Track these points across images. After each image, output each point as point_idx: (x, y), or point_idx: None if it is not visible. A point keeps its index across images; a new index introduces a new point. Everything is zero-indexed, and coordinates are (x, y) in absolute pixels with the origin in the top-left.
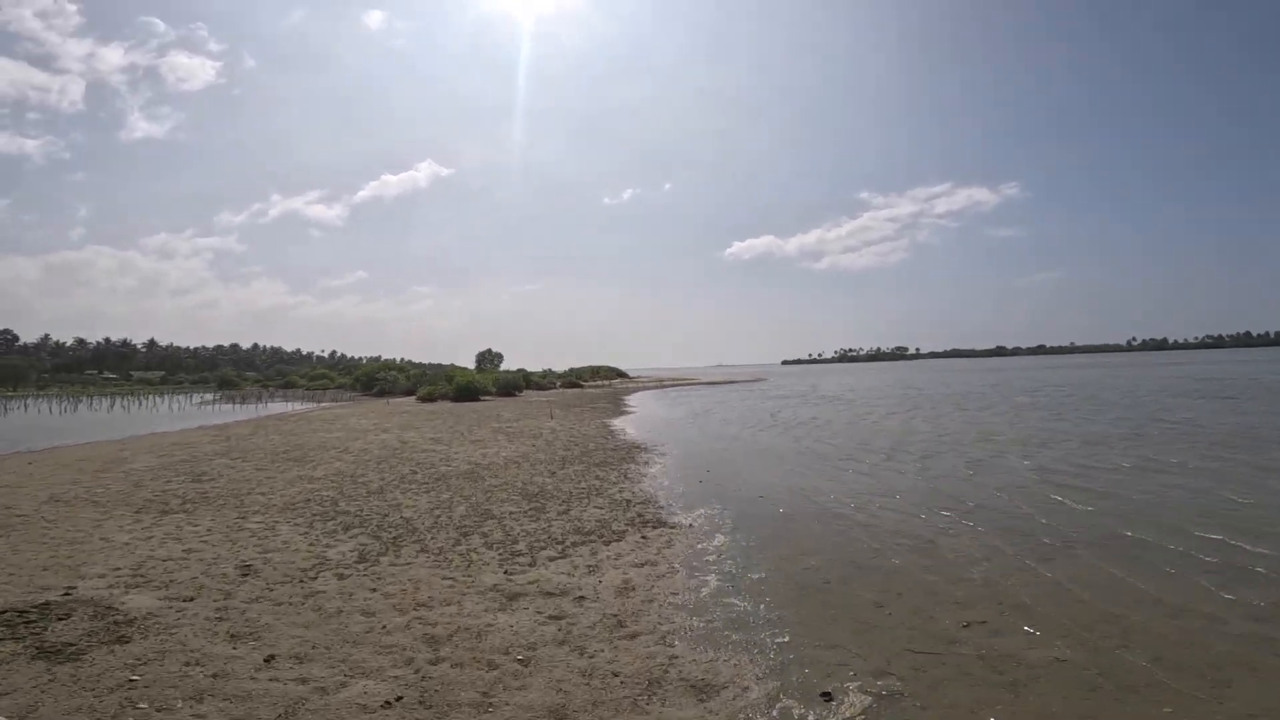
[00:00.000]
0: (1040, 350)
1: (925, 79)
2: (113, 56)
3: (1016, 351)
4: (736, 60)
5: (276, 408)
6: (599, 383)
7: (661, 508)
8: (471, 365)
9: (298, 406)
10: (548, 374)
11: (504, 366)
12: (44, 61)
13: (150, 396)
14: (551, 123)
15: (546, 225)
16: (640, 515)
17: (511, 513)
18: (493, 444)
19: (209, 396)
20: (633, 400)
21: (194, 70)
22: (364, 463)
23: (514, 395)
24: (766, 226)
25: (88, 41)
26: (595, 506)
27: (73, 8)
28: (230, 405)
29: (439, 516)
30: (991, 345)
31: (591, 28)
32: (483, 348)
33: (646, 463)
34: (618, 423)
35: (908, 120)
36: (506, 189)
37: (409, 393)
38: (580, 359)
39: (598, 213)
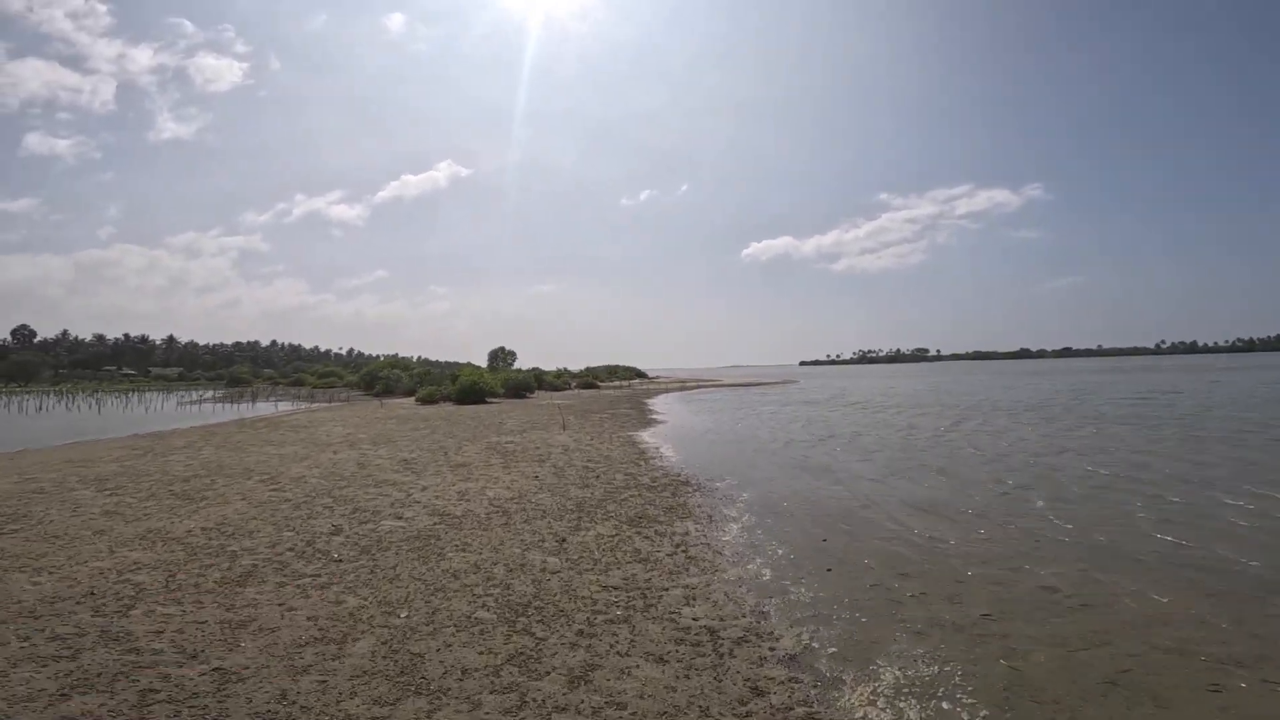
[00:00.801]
0: (1067, 353)
1: (945, 80)
2: (142, 57)
3: (1042, 354)
4: (752, 62)
5: (265, 408)
6: (617, 384)
7: (792, 657)
8: (484, 364)
9: (285, 407)
10: (562, 374)
11: (517, 366)
12: (75, 62)
13: (144, 393)
14: (569, 125)
15: (563, 226)
16: (758, 688)
17: (469, 669)
18: (481, 471)
19: (208, 394)
20: (658, 404)
21: (221, 71)
22: (276, 506)
23: (524, 397)
24: (784, 228)
25: (118, 42)
26: (644, 654)
27: (103, 8)
28: (218, 405)
29: (285, 695)
30: (1015, 347)
31: (607, 32)
32: (498, 347)
33: (710, 517)
34: (648, 437)
35: (927, 121)
36: (524, 190)
37: (411, 393)
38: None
39: (615, 214)
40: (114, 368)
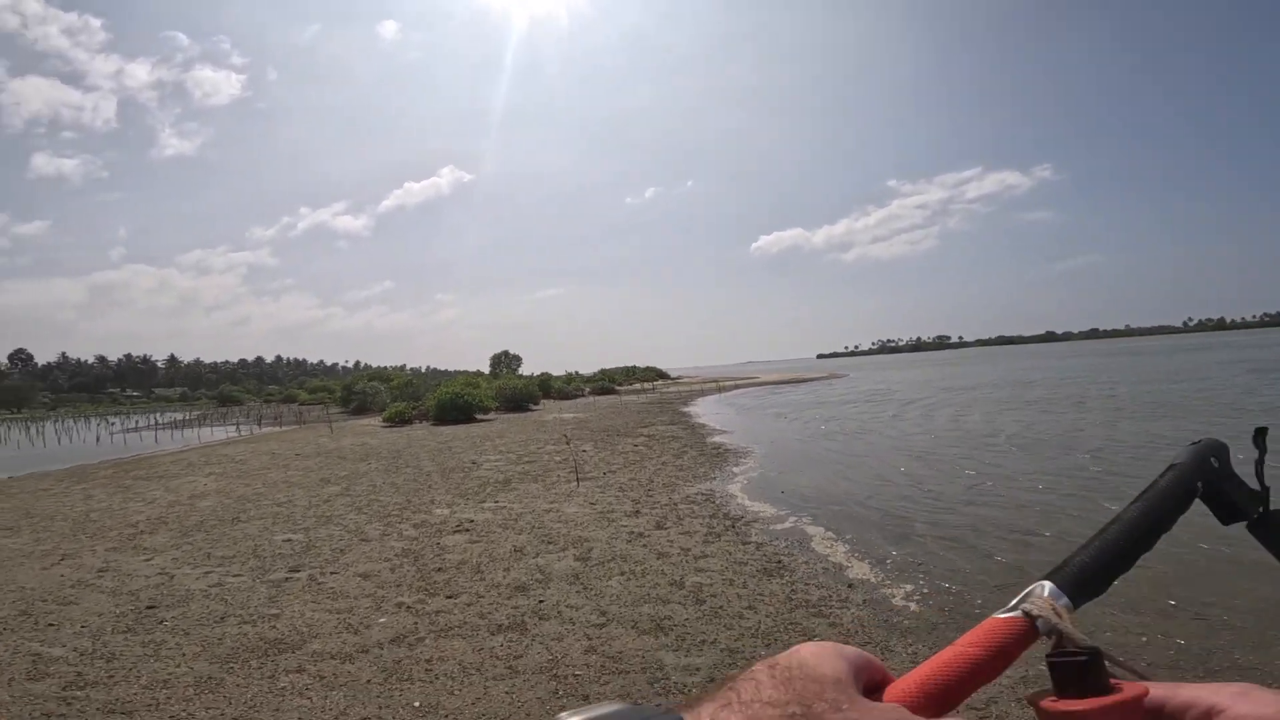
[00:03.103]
0: (1094, 334)
1: (950, 62)
2: (140, 72)
3: (1069, 336)
4: (750, 52)
5: (217, 434)
6: (639, 387)
7: None
8: (488, 371)
9: (224, 435)
10: (573, 378)
11: (524, 371)
12: (75, 79)
13: (107, 419)
14: (569, 125)
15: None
16: None
17: None
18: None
19: (178, 416)
20: (704, 414)
21: (219, 84)
22: None
23: (527, 410)
24: (792, 219)
25: (115, 58)
26: None
27: (97, 23)
28: (163, 432)
29: None
30: (1041, 330)
31: (599, 29)
32: (500, 352)
33: None
34: (762, 508)
35: (933, 105)
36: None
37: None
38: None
39: (620, 213)
40: (117, 389)
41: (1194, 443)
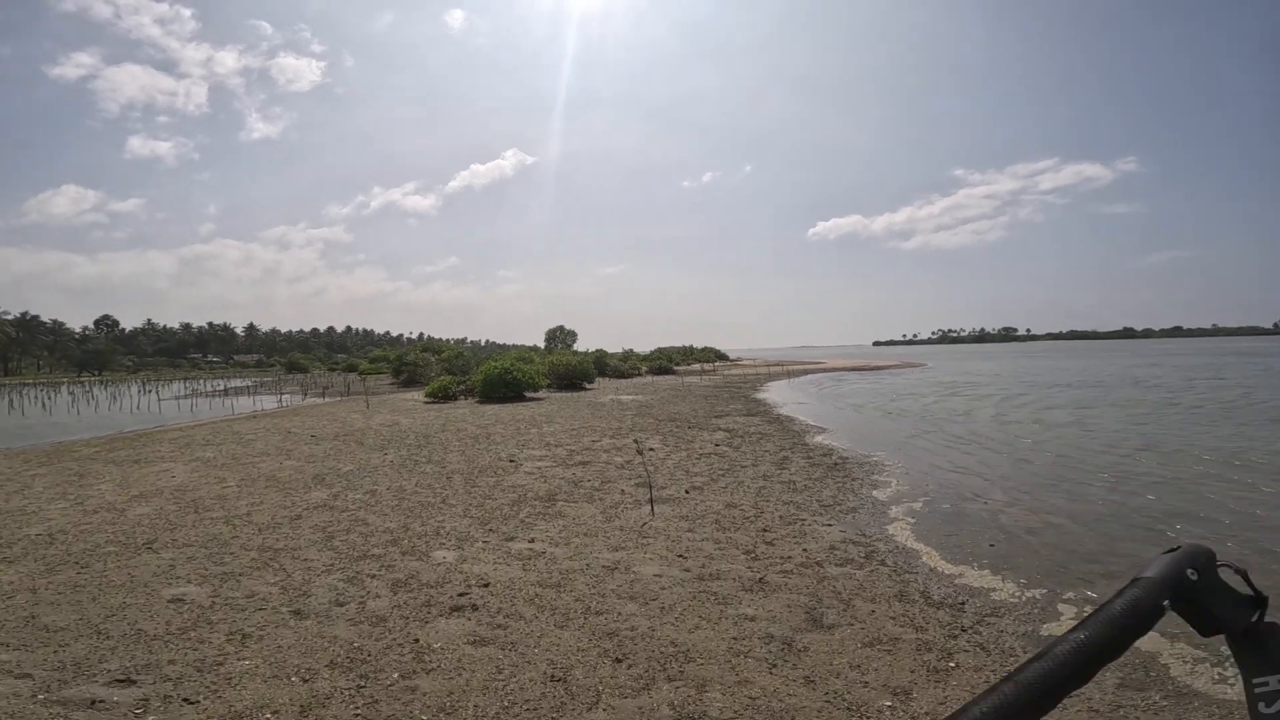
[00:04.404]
0: (1178, 332)
1: (1023, 48)
2: (229, 60)
3: (1148, 334)
4: (808, 39)
5: (261, 404)
6: (697, 368)
7: None
8: (543, 345)
9: (268, 404)
10: (629, 356)
11: (579, 347)
12: (168, 66)
13: (169, 383)
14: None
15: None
16: None
17: None
18: None
19: (236, 384)
20: (783, 401)
21: (301, 71)
22: None
23: (580, 388)
24: (852, 206)
25: (205, 46)
26: None
27: (187, 13)
28: (215, 400)
29: None
30: (1118, 326)
31: (662, 13)
32: (555, 327)
33: None
34: (976, 577)
35: (1005, 93)
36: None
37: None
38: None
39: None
40: (199, 355)
41: (1169, 550)
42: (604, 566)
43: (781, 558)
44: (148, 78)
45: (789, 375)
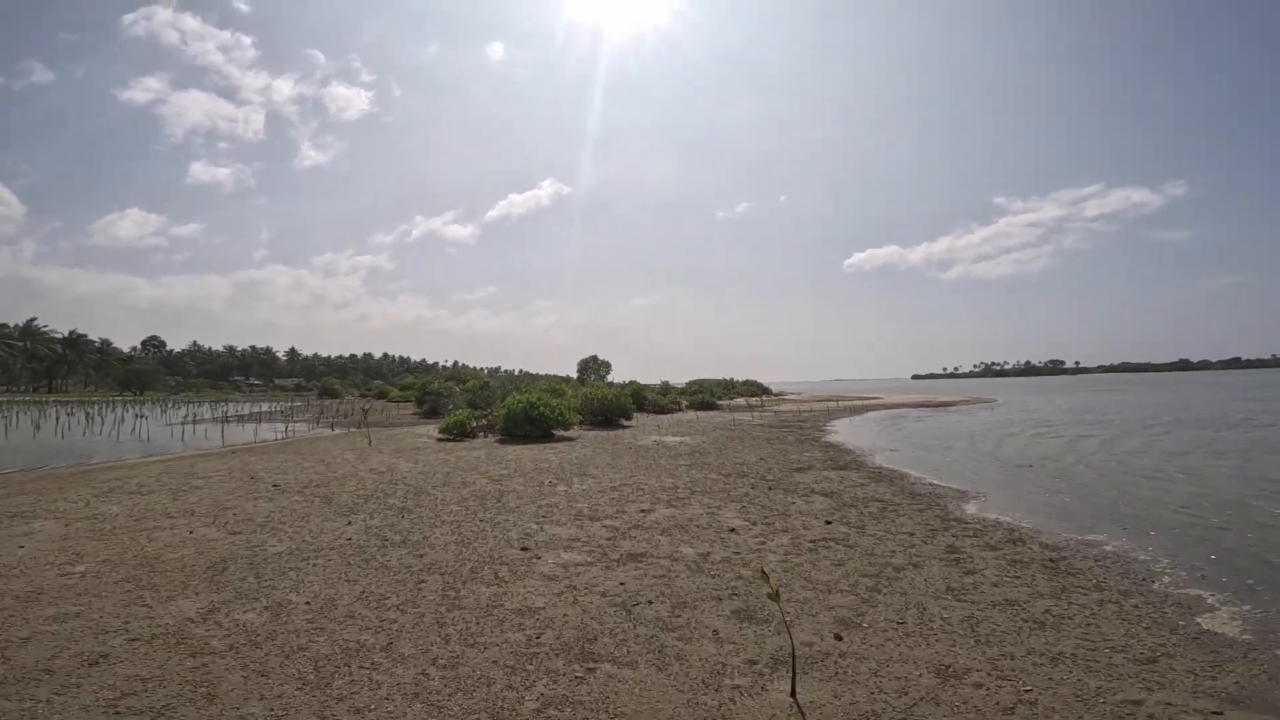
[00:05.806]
0: (1236, 363)
1: (1062, 71)
2: (285, 88)
3: (1205, 365)
4: (843, 67)
5: (264, 433)
6: (742, 403)
7: None
8: (575, 376)
9: (269, 436)
10: (668, 389)
11: (612, 378)
12: (229, 93)
13: (195, 405)
14: (662, 139)
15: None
16: None
17: None
18: None
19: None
20: (872, 447)
21: (352, 100)
22: None
23: (618, 425)
24: (889, 236)
25: (264, 74)
26: None
27: (248, 40)
28: (228, 425)
29: None
30: (1173, 358)
31: (696, 44)
32: (589, 356)
33: None
34: None
35: (1045, 118)
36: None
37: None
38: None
39: (711, 227)
40: (242, 378)
41: None
42: None
43: None
44: (210, 104)
45: (850, 413)
